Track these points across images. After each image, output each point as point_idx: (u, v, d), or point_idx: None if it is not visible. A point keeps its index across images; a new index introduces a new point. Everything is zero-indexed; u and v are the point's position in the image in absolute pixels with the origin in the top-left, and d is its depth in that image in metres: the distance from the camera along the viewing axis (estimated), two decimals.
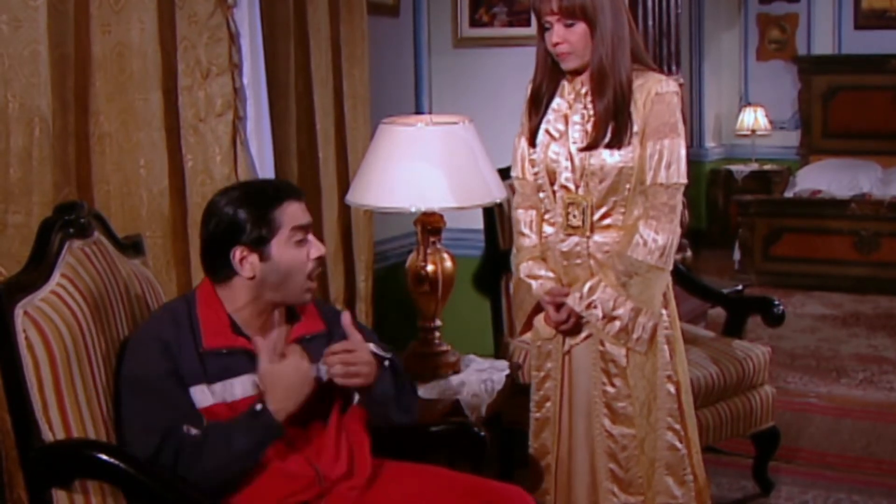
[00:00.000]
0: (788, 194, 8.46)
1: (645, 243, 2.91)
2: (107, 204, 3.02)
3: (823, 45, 9.14)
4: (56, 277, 2.33)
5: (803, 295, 7.51)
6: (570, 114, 2.99)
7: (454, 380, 3.44)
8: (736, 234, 8.17)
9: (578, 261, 3.01)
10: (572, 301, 3.00)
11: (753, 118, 9.13)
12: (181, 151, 3.20)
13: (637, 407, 3.01)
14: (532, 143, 3.06)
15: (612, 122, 2.90)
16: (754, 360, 3.94)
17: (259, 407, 2.30)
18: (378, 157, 3.35)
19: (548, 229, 3.08)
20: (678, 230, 2.97)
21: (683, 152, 2.95)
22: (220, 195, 2.48)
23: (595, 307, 2.97)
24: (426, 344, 3.51)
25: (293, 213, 2.42)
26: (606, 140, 2.91)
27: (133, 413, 2.33)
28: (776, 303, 4.12)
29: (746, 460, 4.19)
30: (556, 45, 2.90)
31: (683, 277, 4.45)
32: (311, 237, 2.46)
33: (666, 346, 3.02)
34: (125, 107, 3.03)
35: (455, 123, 3.34)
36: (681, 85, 6.18)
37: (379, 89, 4.29)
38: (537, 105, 3.05)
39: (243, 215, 2.39)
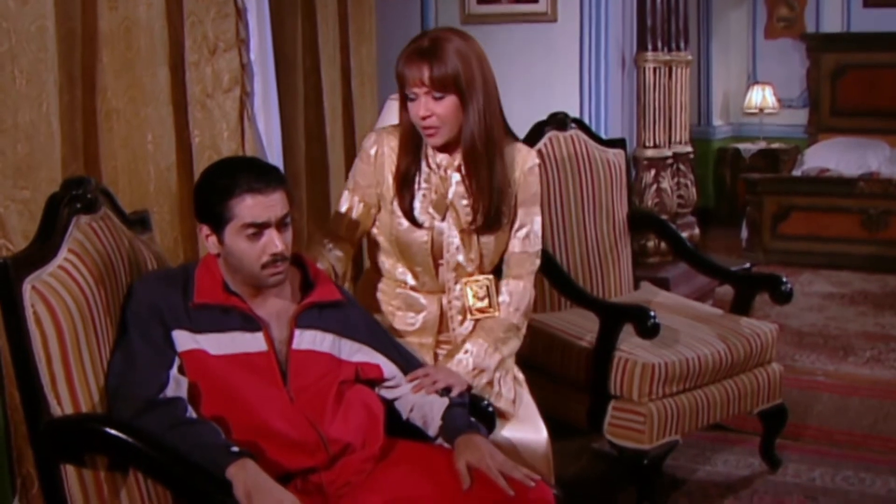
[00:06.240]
0: (796, 173, 8.43)
1: (512, 304, 2.86)
2: (114, 179, 3.02)
3: (832, 23, 9.09)
4: (63, 252, 2.33)
5: (811, 273, 7.49)
6: (450, 193, 2.80)
7: None
8: (744, 212, 8.15)
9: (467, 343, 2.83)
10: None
11: (761, 96, 9.09)
12: (188, 127, 3.20)
13: None
14: (414, 222, 2.80)
15: (503, 206, 2.80)
16: (762, 338, 3.93)
17: (236, 449, 2.23)
18: None
19: (421, 299, 2.90)
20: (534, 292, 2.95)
21: (540, 219, 2.92)
22: (213, 165, 2.53)
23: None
24: None
25: (249, 208, 2.36)
26: (500, 225, 2.82)
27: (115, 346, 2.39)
28: (784, 280, 4.10)
29: (754, 438, 4.18)
30: (423, 118, 2.67)
31: (691, 255, 4.44)
32: (270, 232, 2.39)
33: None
34: (132, 82, 3.03)
35: None
36: (688, 63, 6.20)
37: (386, 66, 4.27)
38: (407, 184, 2.80)
39: (207, 196, 2.42)
